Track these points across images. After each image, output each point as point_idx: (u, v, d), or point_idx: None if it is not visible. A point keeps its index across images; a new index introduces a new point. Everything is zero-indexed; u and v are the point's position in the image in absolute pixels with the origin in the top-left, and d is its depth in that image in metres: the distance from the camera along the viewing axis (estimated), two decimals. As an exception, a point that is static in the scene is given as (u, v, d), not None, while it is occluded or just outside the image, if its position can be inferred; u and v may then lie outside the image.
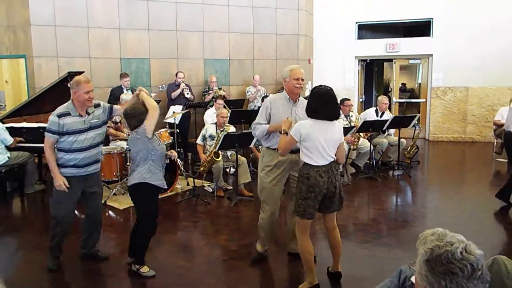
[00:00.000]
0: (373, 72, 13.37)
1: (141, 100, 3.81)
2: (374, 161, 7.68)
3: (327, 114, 3.38)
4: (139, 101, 3.85)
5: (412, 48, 10.86)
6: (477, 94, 10.36)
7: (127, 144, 6.10)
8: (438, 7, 10.37)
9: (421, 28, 10.90)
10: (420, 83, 11.49)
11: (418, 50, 10.85)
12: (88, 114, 3.94)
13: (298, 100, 4.02)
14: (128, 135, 5.77)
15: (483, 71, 10.15)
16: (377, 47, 11.06)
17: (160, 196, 6.04)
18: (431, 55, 10.68)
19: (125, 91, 7.70)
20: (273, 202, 3.98)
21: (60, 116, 3.80)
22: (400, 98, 11.58)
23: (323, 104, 3.38)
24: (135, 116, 3.66)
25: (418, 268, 1.43)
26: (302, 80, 3.97)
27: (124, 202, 5.80)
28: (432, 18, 10.55)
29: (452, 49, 10.33)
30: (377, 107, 7.85)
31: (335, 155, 3.45)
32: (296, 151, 3.65)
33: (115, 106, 4.20)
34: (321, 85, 3.52)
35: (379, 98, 7.86)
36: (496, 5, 9.91)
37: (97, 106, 4.02)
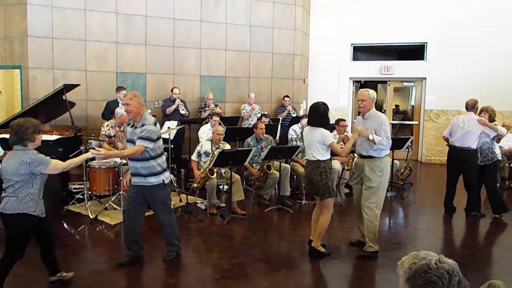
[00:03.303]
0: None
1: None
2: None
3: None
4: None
5: (406, 71, 11.00)
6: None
7: (120, 159, 6.06)
8: (432, 31, 10.56)
9: (415, 52, 11.07)
10: (413, 106, 11.61)
11: (412, 73, 11.00)
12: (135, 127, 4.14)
13: (366, 116, 4.73)
14: (123, 148, 5.74)
15: (476, 96, 10.22)
16: (371, 69, 11.20)
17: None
18: (425, 78, 10.82)
19: (120, 104, 7.67)
20: None
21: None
22: (393, 120, 11.67)
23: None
24: (17, 133, 3.40)
25: None
26: (362, 101, 4.70)
27: (116, 217, 5.72)
28: (426, 42, 10.73)
29: (445, 73, 10.48)
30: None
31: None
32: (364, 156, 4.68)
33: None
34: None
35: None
36: (489, 30, 10.10)
37: (143, 125, 4.08)
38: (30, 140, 3.44)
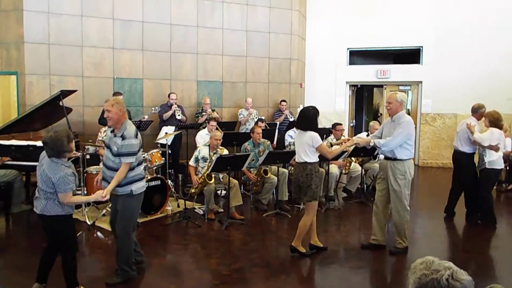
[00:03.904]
0: (363, 97, 13.54)
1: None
2: (365, 186, 7.69)
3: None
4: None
5: (402, 75, 11.05)
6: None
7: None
8: (428, 35, 10.62)
9: (411, 56, 11.12)
10: (409, 109, 11.64)
11: (408, 77, 11.05)
12: (115, 135, 3.95)
13: (393, 118, 4.80)
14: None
15: (471, 99, 10.26)
16: (368, 73, 11.24)
17: (150, 218, 6.02)
18: (421, 82, 10.88)
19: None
20: None
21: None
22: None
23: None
24: (54, 148, 3.45)
25: None
26: (389, 103, 4.78)
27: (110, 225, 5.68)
28: (422, 46, 10.78)
29: (441, 76, 10.53)
30: (369, 132, 7.90)
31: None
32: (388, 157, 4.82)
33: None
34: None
35: (371, 123, 7.93)
36: (484, 33, 10.18)
37: (123, 137, 3.88)
38: (68, 151, 3.51)
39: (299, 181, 4.66)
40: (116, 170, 3.89)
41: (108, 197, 3.79)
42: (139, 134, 4.03)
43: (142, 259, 4.36)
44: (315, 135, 4.60)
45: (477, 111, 6.11)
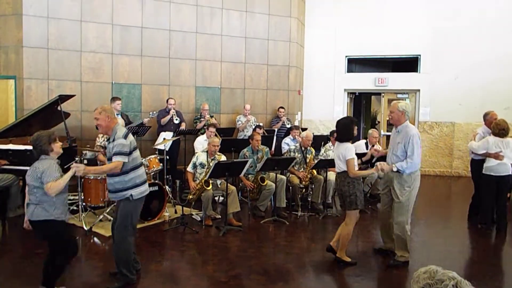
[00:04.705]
0: (361, 105, 13.57)
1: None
2: (363, 194, 7.66)
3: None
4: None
5: (400, 83, 11.09)
6: (463, 130, 10.56)
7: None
8: (426, 44, 10.69)
9: (409, 64, 11.17)
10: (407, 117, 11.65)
11: (406, 85, 11.09)
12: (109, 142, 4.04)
13: (398, 129, 4.75)
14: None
15: (469, 107, 10.38)
16: (366, 81, 11.28)
17: (147, 224, 5.99)
18: (419, 90, 10.91)
19: (115, 115, 7.64)
20: None
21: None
22: (387, 131, 11.72)
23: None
24: (35, 147, 3.61)
25: None
26: (391, 112, 4.75)
27: (111, 229, 5.65)
28: (420, 55, 10.84)
29: (439, 85, 10.59)
30: (367, 139, 7.90)
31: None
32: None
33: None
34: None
35: (370, 131, 7.93)
36: (481, 42, 10.24)
37: (112, 141, 4.00)
38: (49, 149, 3.61)
39: (341, 190, 4.71)
40: (116, 175, 3.94)
41: (82, 171, 3.80)
42: (130, 136, 4.04)
43: (137, 266, 4.34)
44: (349, 147, 4.62)
45: (485, 118, 6.36)
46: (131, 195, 3.96)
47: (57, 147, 3.66)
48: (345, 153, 4.58)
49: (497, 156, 5.85)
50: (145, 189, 4.11)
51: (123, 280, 4.02)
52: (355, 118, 5.07)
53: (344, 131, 4.70)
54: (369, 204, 7.42)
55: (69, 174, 3.66)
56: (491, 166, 5.96)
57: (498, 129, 5.89)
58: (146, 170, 6.41)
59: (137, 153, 4.09)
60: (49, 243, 3.74)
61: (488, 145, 5.90)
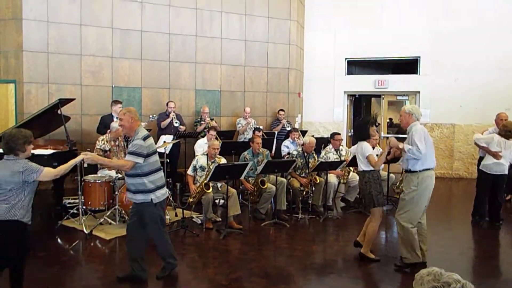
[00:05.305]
0: (361, 107, 13.57)
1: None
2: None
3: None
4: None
5: (400, 85, 11.09)
6: (463, 131, 10.56)
7: (116, 173, 6.02)
8: (425, 46, 10.69)
9: (408, 66, 11.18)
10: (408, 119, 11.65)
11: (406, 87, 11.09)
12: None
13: (407, 130, 4.75)
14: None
15: (469, 109, 10.39)
16: (366, 83, 11.28)
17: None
18: (419, 92, 10.92)
19: (115, 119, 7.64)
20: None
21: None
22: (388, 133, 11.72)
23: None
24: (8, 143, 3.45)
25: None
26: (400, 116, 4.84)
27: (111, 232, 5.66)
28: (419, 57, 10.84)
29: (439, 86, 10.58)
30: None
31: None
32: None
33: None
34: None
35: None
36: (481, 43, 10.24)
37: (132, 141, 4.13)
38: (21, 150, 3.47)
39: (361, 189, 5.06)
40: (135, 176, 4.02)
41: (90, 159, 3.88)
42: (150, 139, 4.11)
43: (141, 274, 4.22)
44: (365, 145, 4.83)
45: (496, 119, 6.60)
46: (151, 199, 4.06)
47: (30, 150, 3.55)
48: (363, 151, 4.81)
49: (495, 154, 6.09)
50: (163, 192, 4.23)
51: (169, 267, 4.33)
52: (372, 119, 5.29)
53: (359, 131, 5.04)
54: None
55: (76, 159, 3.69)
56: (488, 164, 6.21)
57: (504, 130, 6.12)
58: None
59: (156, 157, 4.18)
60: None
61: (492, 142, 6.11)
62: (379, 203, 4.82)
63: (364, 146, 4.82)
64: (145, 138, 4.01)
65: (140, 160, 3.95)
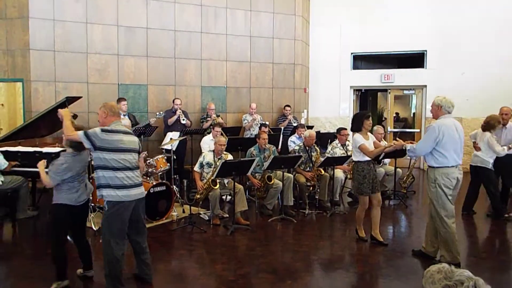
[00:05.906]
0: (367, 101, 13.53)
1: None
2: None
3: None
4: None
5: (406, 79, 11.04)
6: (471, 125, 10.47)
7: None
8: (432, 40, 10.62)
9: (415, 60, 11.12)
10: (414, 113, 11.62)
11: (412, 81, 11.03)
12: None
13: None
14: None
15: (476, 102, 10.31)
16: (372, 78, 11.24)
17: (155, 223, 6.02)
18: (425, 86, 10.86)
19: (121, 116, 7.69)
20: None
21: None
22: (394, 127, 11.69)
23: None
24: None
25: None
26: (431, 107, 4.82)
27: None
28: (426, 50, 10.78)
29: (446, 80, 10.51)
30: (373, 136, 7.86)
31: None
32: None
33: None
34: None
35: (375, 128, 7.89)
36: (488, 37, 10.17)
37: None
38: None
39: (353, 177, 5.37)
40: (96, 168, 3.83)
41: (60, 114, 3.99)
42: (115, 135, 3.77)
43: (147, 275, 4.19)
44: (356, 136, 5.14)
45: (499, 112, 6.71)
46: (102, 195, 3.79)
47: None
48: (355, 143, 5.14)
49: (474, 146, 6.48)
50: (124, 194, 3.77)
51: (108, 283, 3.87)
52: (368, 112, 5.48)
53: (354, 122, 5.31)
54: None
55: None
56: (472, 156, 6.55)
57: (484, 122, 6.34)
58: (154, 170, 6.45)
59: (115, 156, 3.74)
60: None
61: (476, 136, 6.52)
62: (362, 192, 5.20)
63: (355, 138, 5.14)
64: (107, 131, 3.73)
65: (86, 143, 3.68)
